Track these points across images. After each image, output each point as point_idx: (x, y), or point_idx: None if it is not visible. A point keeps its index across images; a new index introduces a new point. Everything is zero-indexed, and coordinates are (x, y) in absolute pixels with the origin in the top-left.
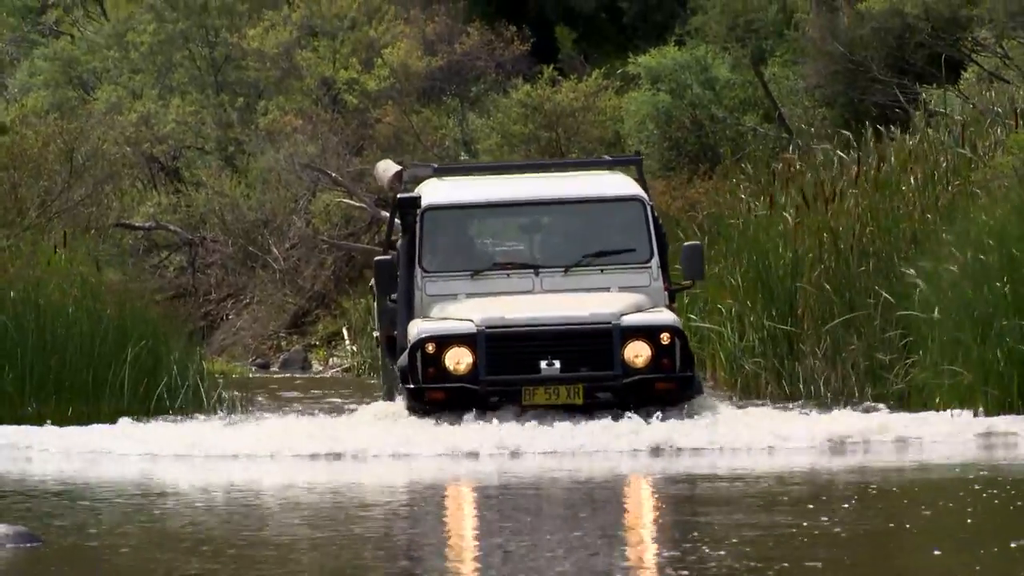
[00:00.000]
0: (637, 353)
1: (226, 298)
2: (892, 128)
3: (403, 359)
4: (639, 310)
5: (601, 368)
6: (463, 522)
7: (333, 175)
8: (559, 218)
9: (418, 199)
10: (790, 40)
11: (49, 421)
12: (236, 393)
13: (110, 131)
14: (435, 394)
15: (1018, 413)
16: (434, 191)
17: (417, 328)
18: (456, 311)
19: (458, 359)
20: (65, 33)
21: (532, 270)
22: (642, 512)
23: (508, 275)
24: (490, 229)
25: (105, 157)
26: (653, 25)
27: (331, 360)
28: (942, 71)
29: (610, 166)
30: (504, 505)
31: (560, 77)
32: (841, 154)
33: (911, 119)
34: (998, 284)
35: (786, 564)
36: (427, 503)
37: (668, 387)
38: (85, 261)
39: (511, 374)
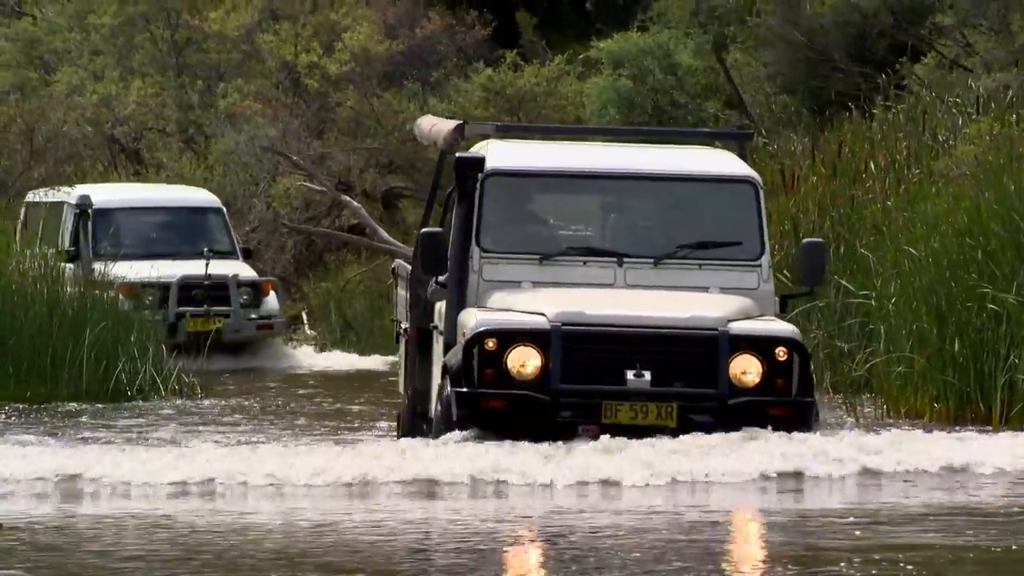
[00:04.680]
0: (746, 369)
1: None
2: (854, 110)
3: (454, 355)
4: (747, 317)
5: (701, 384)
6: None
7: (294, 158)
8: (651, 198)
9: (481, 161)
10: (752, 27)
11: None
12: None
13: (71, 112)
14: (493, 401)
15: (974, 405)
16: (500, 153)
17: (475, 319)
18: (522, 302)
19: (524, 360)
20: (27, 14)
21: (615, 259)
22: None
23: (584, 263)
24: (565, 205)
25: (66, 137)
26: (615, 10)
27: (290, 343)
28: (903, 59)
29: (710, 139)
30: None
31: (522, 62)
32: (799, 135)
33: (872, 107)
34: (960, 272)
35: None
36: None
37: (782, 414)
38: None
39: (590, 384)
